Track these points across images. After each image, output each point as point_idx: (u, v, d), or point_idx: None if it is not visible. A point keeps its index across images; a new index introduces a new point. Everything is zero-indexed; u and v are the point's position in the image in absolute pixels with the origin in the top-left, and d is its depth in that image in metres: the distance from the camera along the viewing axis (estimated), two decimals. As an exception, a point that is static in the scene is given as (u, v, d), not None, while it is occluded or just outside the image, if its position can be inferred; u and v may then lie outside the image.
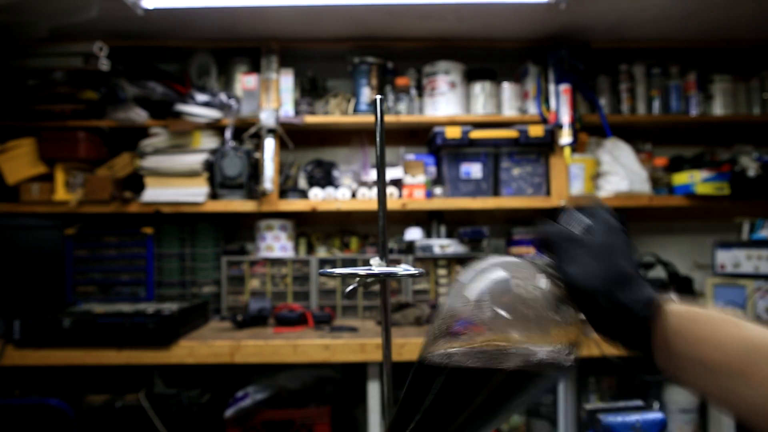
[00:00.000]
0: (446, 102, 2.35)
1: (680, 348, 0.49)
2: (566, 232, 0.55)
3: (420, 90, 2.44)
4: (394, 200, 2.30)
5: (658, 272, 2.29)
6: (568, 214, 0.57)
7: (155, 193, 2.24)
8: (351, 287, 0.75)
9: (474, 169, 2.35)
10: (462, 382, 0.51)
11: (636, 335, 0.51)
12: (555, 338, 0.52)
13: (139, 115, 2.26)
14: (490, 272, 0.55)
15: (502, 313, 0.51)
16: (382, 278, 0.70)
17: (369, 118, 2.34)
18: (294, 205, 2.30)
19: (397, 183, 2.34)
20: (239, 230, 2.57)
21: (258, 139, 2.32)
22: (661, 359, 0.51)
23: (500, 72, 2.45)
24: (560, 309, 0.53)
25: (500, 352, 0.50)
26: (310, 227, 2.56)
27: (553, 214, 0.59)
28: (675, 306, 0.51)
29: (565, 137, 2.27)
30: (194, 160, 2.25)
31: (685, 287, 2.17)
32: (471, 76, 2.41)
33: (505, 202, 2.33)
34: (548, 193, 2.35)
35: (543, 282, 0.53)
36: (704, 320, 0.49)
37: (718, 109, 2.44)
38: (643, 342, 0.51)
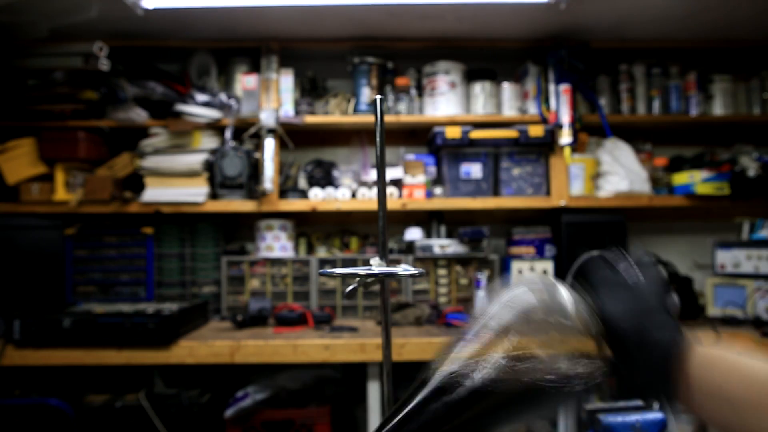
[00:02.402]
0: (446, 102, 2.35)
1: (706, 385, 0.51)
2: (612, 275, 0.60)
3: (420, 90, 2.44)
4: (394, 200, 2.30)
5: (658, 272, 2.29)
6: (616, 258, 0.62)
7: (155, 193, 2.24)
8: (351, 287, 0.75)
9: (474, 169, 2.35)
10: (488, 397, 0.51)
11: (662, 372, 0.53)
12: (577, 351, 0.53)
13: (139, 115, 2.26)
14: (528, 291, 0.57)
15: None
16: (382, 278, 0.70)
17: (369, 118, 2.34)
18: (294, 205, 2.30)
19: (397, 183, 2.34)
20: (239, 230, 2.57)
21: (258, 139, 2.32)
22: (686, 396, 0.52)
23: (500, 72, 2.45)
24: (587, 330, 0.55)
25: (527, 365, 0.51)
26: (310, 227, 2.56)
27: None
28: (701, 347, 0.53)
29: (565, 137, 2.27)
30: (194, 160, 2.26)
31: (685, 287, 2.16)
32: (471, 76, 2.41)
33: (505, 202, 2.33)
34: (548, 193, 2.35)
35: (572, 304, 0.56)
36: (731, 360, 0.51)
37: (718, 109, 2.44)
38: (668, 379, 0.53)
